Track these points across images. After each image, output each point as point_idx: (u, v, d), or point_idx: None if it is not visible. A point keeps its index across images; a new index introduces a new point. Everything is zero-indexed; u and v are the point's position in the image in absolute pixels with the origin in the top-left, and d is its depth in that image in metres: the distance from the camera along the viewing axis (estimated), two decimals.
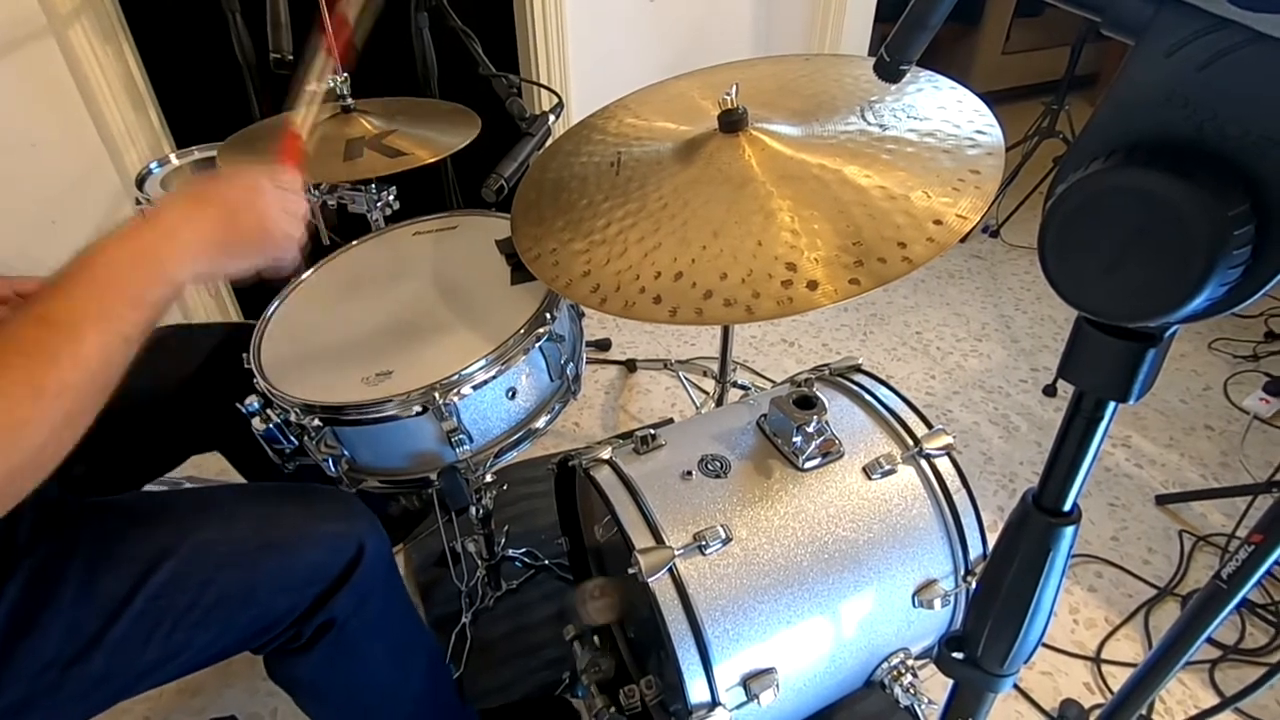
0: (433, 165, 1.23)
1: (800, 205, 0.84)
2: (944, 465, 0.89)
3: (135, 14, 1.65)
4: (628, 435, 0.94)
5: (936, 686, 0.76)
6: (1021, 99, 3.01)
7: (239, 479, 1.21)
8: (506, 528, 1.39)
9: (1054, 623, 1.32)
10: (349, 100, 1.31)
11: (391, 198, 1.43)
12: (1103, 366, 0.40)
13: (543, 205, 1.01)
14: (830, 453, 0.88)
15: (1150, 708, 1.18)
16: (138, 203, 1.35)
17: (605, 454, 0.91)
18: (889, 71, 0.56)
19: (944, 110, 0.93)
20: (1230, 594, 0.59)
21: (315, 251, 1.58)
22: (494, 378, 0.89)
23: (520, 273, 1.00)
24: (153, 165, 1.43)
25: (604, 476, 0.88)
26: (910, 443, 0.90)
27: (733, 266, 0.80)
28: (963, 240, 2.50)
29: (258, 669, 0.85)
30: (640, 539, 0.80)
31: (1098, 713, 0.74)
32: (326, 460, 0.91)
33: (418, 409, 0.86)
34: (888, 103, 0.96)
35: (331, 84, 1.20)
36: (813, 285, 0.76)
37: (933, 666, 0.79)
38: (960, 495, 0.88)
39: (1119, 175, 0.33)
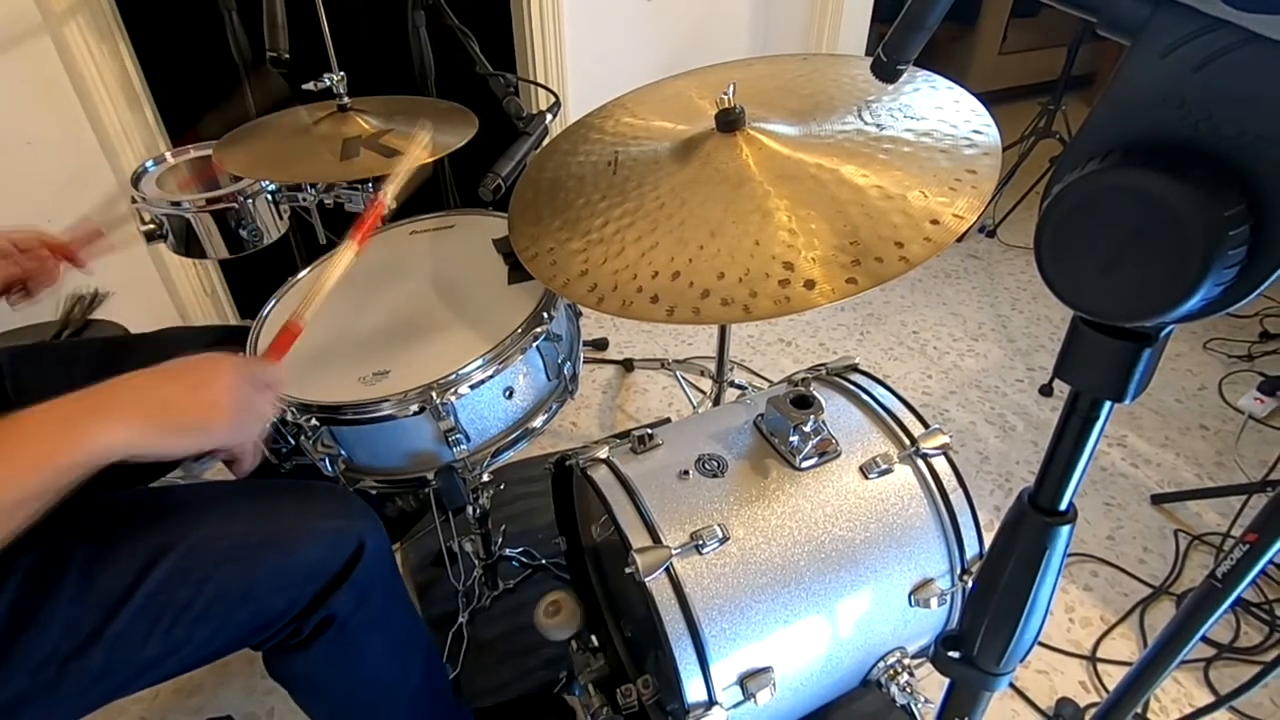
0: (430, 165, 1.23)
1: (797, 205, 0.84)
2: (940, 465, 0.90)
3: (131, 12, 1.64)
4: (625, 435, 0.94)
5: (933, 685, 0.76)
6: (1018, 99, 3.02)
7: None
8: (504, 527, 1.39)
9: (1050, 621, 1.32)
10: (345, 99, 1.31)
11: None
12: (1099, 366, 0.40)
13: (540, 205, 1.01)
14: (827, 452, 0.88)
15: (1145, 706, 1.18)
16: (133, 201, 1.34)
17: (602, 453, 0.91)
18: (886, 71, 0.56)
19: (941, 110, 0.93)
20: (1225, 593, 0.59)
21: (312, 251, 1.58)
22: (491, 377, 0.89)
23: (517, 272, 1.00)
24: (148, 164, 1.42)
25: (601, 476, 0.88)
26: (907, 442, 0.90)
27: (730, 266, 0.80)
28: (959, 240, 2.50)
29: (255, 669, 0.84)
30: (637, 538, 0.80)
31: (1093, 711, 0.74)
32: (323, 460, 0.91)
33: (415, 408, 0.86)
34: (885, 102, 0.96)
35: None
36: (810, 284, 0.76)
37: (929, 665, 0.79)
38: (957, 494, 0.88)
39: (1115, 175, 0.34)
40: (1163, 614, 1.34)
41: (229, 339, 1.02)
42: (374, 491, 0.96)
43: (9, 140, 1.59)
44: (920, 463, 0.89)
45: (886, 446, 0.90)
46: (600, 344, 2.06)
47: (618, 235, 0.89)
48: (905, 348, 2.06)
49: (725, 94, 0.93)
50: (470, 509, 1.12)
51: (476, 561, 1.28)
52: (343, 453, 0.92)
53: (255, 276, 1.71)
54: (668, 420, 1.78)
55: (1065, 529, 0.48)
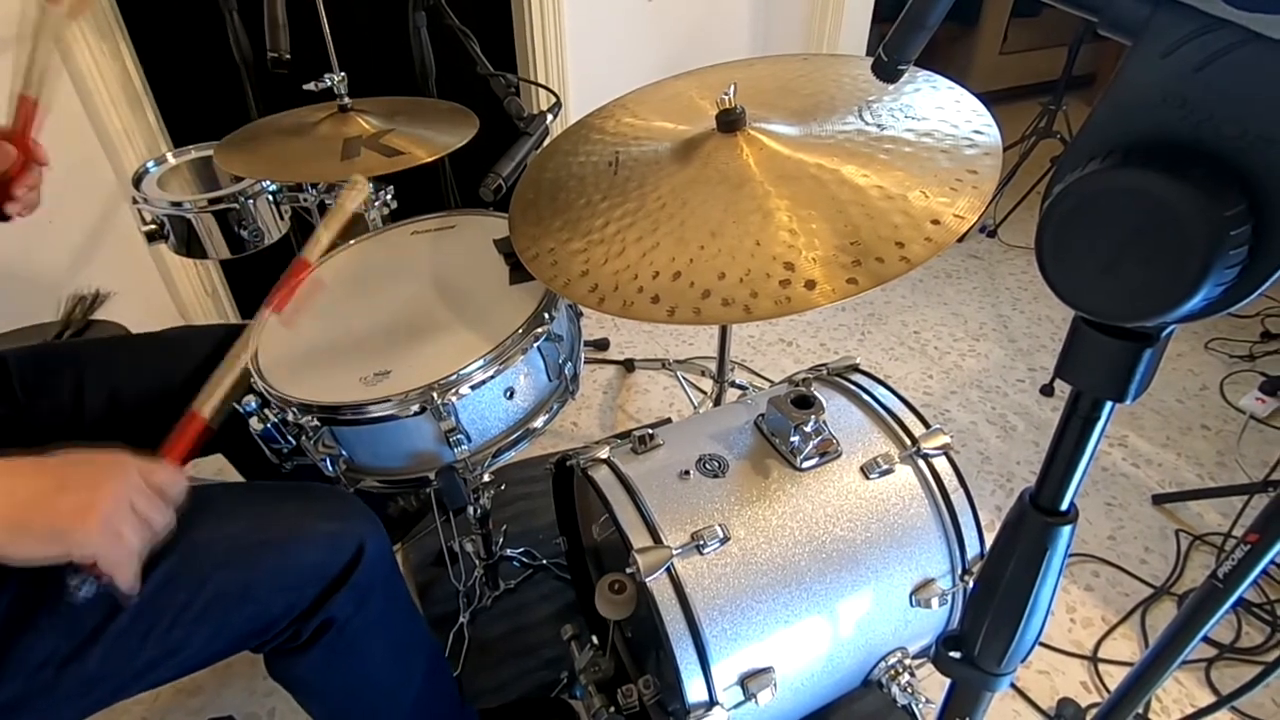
0: (430, 165, 1.23)
1: (798, 205, 0.84)
2: (941, 465, 0.90)
3: (132, 12, 1.64)
4: (626, 435, 0.94)
5: (934, 686, 0.76)
6: (1019, 99, 3.02)
7: (237, 478, 1.21)
8: (504, 527, 1.39)
9: (1051, 622, 1.32)
10: (346, 100, 1.31)
11: (389, 197, 1.43)
12: (1100, 366, 0.40)
13: (541, 205, 1.01)
14: (828, 452, 0.88)
15: (1147, 706, 1.18)
16: (134, 201, 1.35)
17: (603, 454, 0.91)
18: (887, 71, 0.56)
19: (942, 110, 0.93)
20: (1226, 593, 0.59)
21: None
22: (492, 377, 0.89)
23: (518, 272, 1.00)
24: (149, 164, 1.42)
25: (602, 476, 0.88)
26: (908, 442, 0.90)
27: (731, 266, 0.80)
28: (960, 240, 2.50)
29: (256, 669, 0.85)
30: (638, 538, 0.80)
31: (1094, 712, 0.74)
32: (324, 460, 0.91)
33: (416, 409, 0.86)
34: (885, 102, 0.96)
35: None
36: (810, 285, 0.76)
37: (930, 666, 0.79)
38: (958, 495, 0.88)
39: (1116, 175, 0.33)
40: (1164, 614, 1.34)
41: (230, 339, 1.02)
42: (375, 492, 0.96)
43: None
44: (921, 463, 0.89)
45: (887, 446, 0.90)
46: (601, 344, 2.06)
47: (619, 235, 0.89)
48: (906, 348, 2.06)
49: (726, 94, 0.93)
50: (471, 509, 1.12)
51: (477, 561, 1.28)
52: (344, 453, 0.92)
53: (256, 276, 1.71)
54: (668, 420, 1.78)
55: (1066, 529, 0.48)
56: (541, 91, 1.94)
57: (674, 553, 0.78)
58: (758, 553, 0.81)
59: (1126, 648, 1.29)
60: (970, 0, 3.16)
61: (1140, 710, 0.70)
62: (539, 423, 0.98)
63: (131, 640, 0.67)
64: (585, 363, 1.95)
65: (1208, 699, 1.22)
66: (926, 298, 2.26)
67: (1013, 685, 1.24)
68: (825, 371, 1.03)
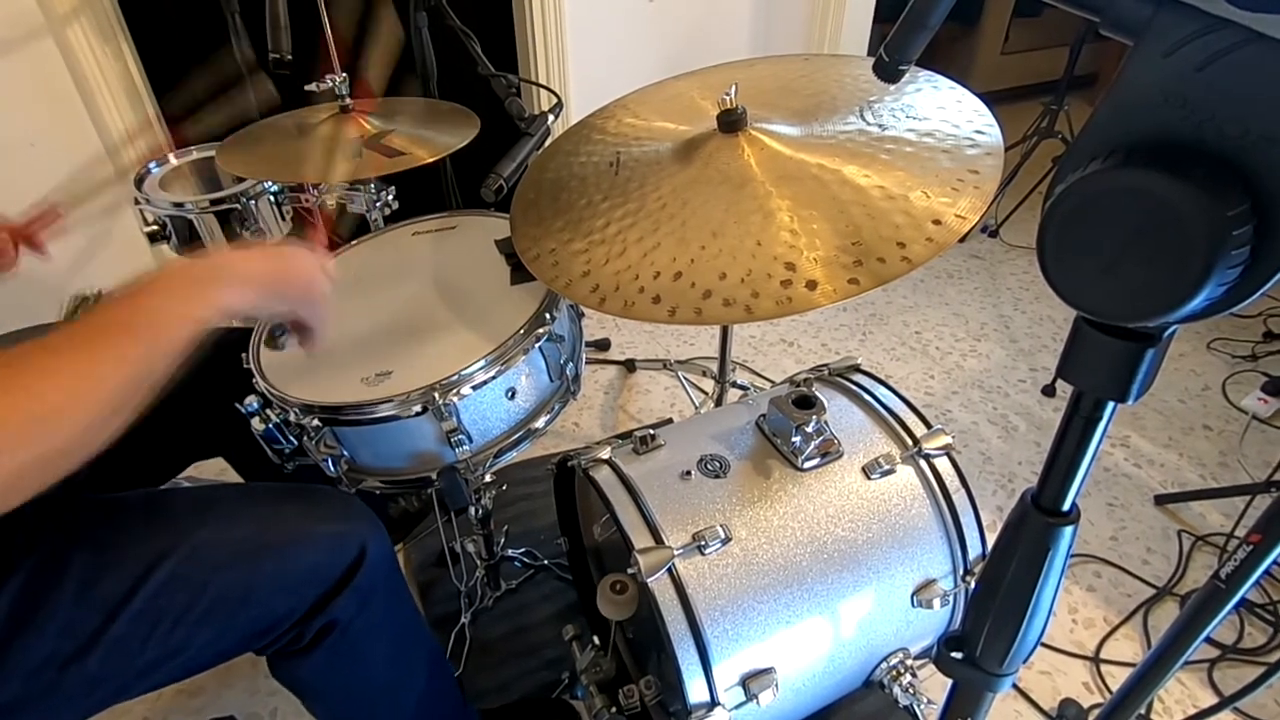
0: (432, 165, 1.23)
1: (799, 205, 0.84)
2: (943, 465, 0.90)
3: (134, 14, 1.64)
4: (627, 435, 0.94)
5: (935, 686, 0.76)
6: (1020, 99, 3.01)
7: (238, 479, 1.21)
8: (506, 528, 1.38)
9: (1053, 622, 1.32)
10: (347, 100, 1.31)
11: (390, 197, 1.43)
12: (1101, 366, 0.40)
13: (542, 205, 1.01)
14: (829, 453, 0.88)
15: (1149, 707, 1.18)
16: (136, 202, 1.35)
17: (604, 454, 0.91)
18: (888, 71, 0.56)
19: (943, 110, 0.93)
20: (1229, 594, 0.59)
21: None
22: (494, 378, 0.89)
23: (520, 273, 1.00)
24: (151, 165, 1.43)
25: (603, 476, 0.88)
26: (909, 443, 0.90)
27: (732, 266, 0.80)
28: (962, 240, 2.50)
29: (258, 670, 0.85)
30: (639, 539, 0.80)
31: (1096, 712, 0.74)
32: (326, 460, 0.91)
33: (417, 409, 0.86)
34: (887, 103, 0.96)
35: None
36: (812, 285, 0.76)
37: (932, 666, 0.79)
38: (959, 495, 0.88)
39: (1118, 176, 0.33)
40: (1166, 615, 1.34)
41: (230, 338, 1.02)
42: (377, 492, 0.97)
43: (12, 141, 1.59)
44: (923, 463, 0.89)
45: (889, 447, 0.90)
46: (602, 344, 2.06)
47: (620, 236, 0.89)
48: (908, 348, 2.05)
49: (727, 94, 0.93)
50: (472, 509, 1.12)
51: (479, 562, 1.28)
52: (345, 453, 0.92)
53: None
54: (670, 421, 1.78)
55: (1068, 529, 0.47)
56: (542, 92, 1.94)
57: (675, 553, 0.78)
58: (759, 553, 0.81)
59: (1129, 648, 1.29)
60: (971, 0, 3.16)
61: (1142, 711, 0.70)
62: (540, 423, 0.98)
63: (133, 642, 0.67)
64: (587, 363, 1.94)
65: (1210, 700, 1.21)
66: (928, 298, 2.26)
67: (1015, 686, 1.23)
68: (826, 372, 1.03)
